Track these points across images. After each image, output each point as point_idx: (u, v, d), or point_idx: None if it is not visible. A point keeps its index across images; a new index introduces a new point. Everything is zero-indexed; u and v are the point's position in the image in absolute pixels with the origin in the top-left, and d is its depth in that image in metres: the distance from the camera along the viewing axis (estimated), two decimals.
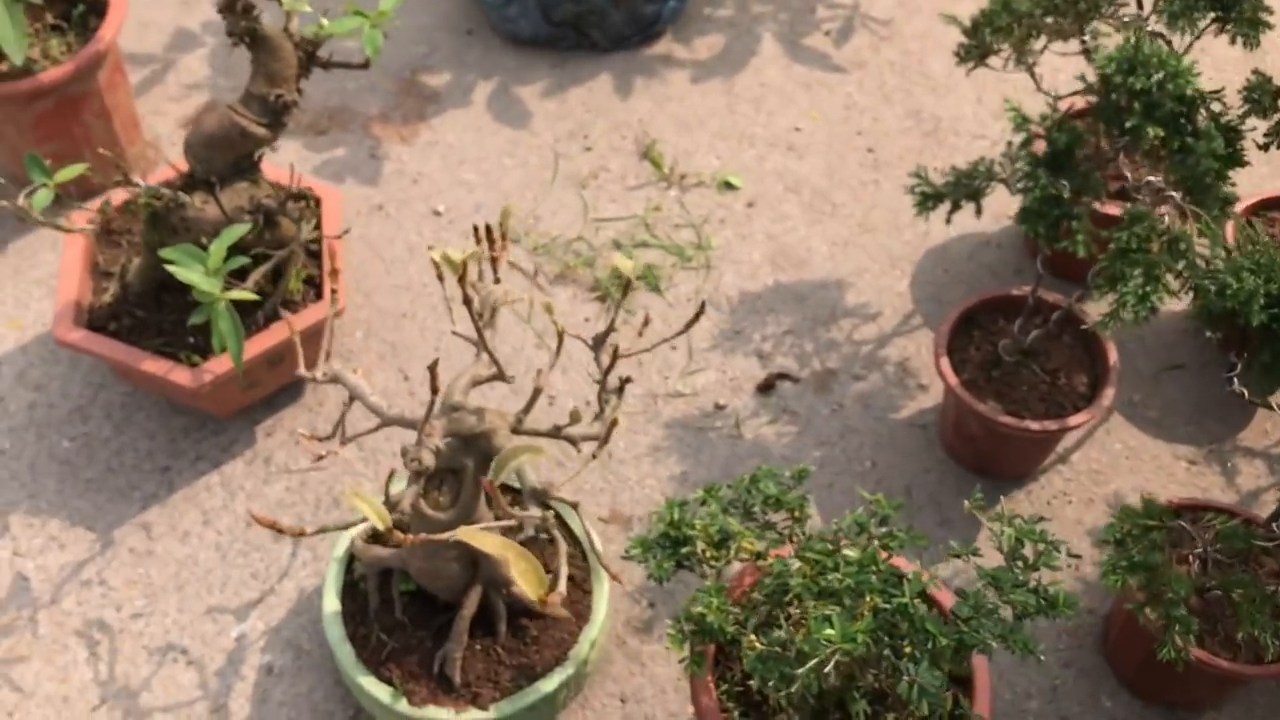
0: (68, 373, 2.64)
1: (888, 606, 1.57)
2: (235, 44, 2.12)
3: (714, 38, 3.31)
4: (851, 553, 1.65)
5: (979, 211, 2.33)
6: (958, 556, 1.69)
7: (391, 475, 1.82)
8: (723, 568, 1.83)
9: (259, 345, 2.35)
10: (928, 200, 2.26)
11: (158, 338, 2.40)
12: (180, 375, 2.30)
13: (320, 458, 1.87)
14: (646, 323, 2.71)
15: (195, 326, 2.38)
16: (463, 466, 1.92)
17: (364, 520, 2.22)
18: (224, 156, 2.19)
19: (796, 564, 1.73)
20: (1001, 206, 2.95)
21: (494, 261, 1.88)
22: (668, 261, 2.84)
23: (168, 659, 2.28)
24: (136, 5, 3.34)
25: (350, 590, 2.18)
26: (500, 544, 1.51)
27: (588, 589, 2.18)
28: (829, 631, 1.55)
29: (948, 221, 2.38)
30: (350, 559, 2.19)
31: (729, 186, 2.98)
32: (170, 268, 1.97)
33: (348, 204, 2.92)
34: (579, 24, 3.19)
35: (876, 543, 1.69)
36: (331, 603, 2.14)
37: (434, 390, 1.72)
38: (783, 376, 2.66)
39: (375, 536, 2.20)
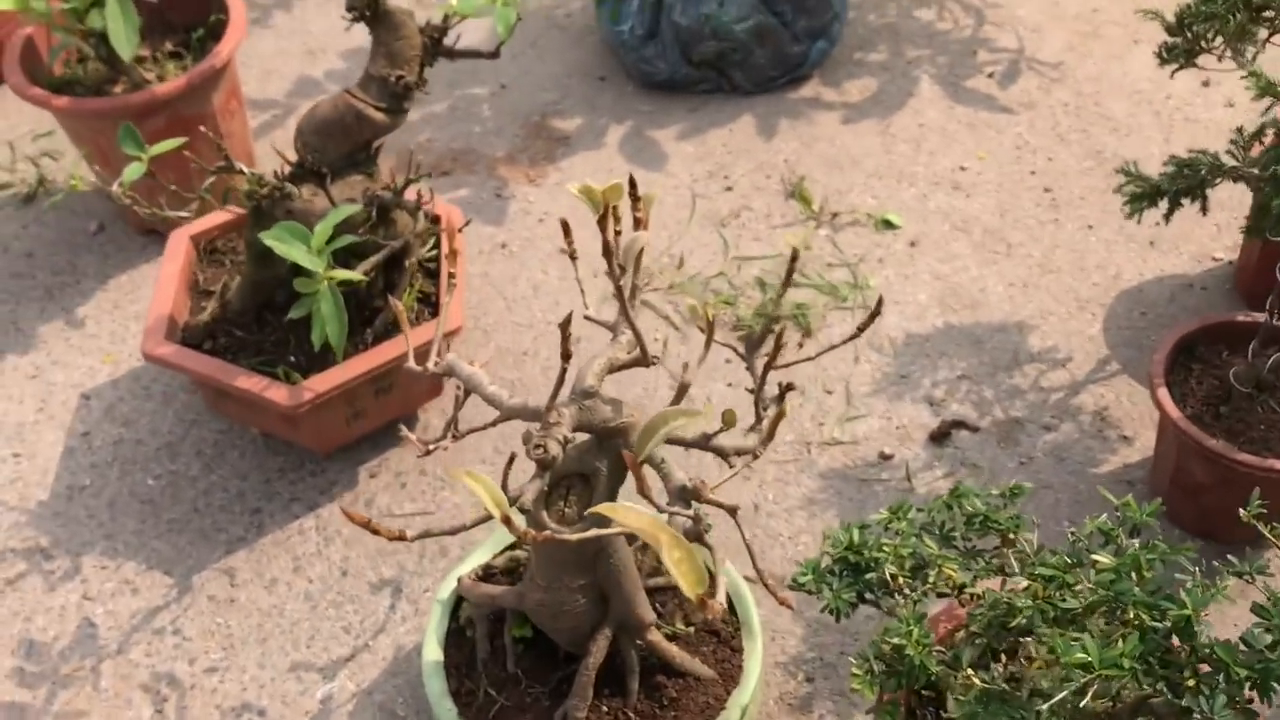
0: (159, 409, 2.41)
1: (1159, 625, 1.18)
2: (354, 20, 1.91)
3: (865, 81, 3.06)
4: (1104, 558, 1.27)
5: (1205, 209, 1.97)
6: (1240, 576, 1.29)
7: (511, 461, 1.50)
8: (919, 599, 1.46)
9: (366, 364, 2.08)
10: (1141, 199, 1.92)
11: (256, 356, 2.15)
12: (277, 393, 2.04)
13: (428, 452, 1.57)
14: (808, 334, 2.40)
15: (298, 344, 2.14)
16: (594, 470, 1.59)
17: (473, 557, 1.90)
18: (338, 145, 1.97)
19: (1023, 584, 1.35)
20: (1201, 246, 2.58)
21: (637, 221, 1.58)
22: (820, 301, 2.53)
23: None
24: (263, 55, 3.23)
25: (455, 638, 1.84)
26: (651, 522, 1.17)
27: (736, 646, 1.81)
28: (1081, 655, 1.17)
29: (1165, 220, 2.02)
30: (457, 602, 1.86)
31: (888, 225, 2.68)
32: (269, 242, 1.72)
33: (471, 243, 2.69)
34: (719, 64, 2.97)
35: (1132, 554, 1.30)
36: (433, 651, 1.80)
37: (565, 355, 1.41)
38: (960, 425, 2.29)
39: (486, 575, 1.87)
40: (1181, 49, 2.13)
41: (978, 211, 2.70)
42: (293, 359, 2.14)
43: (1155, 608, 1.18)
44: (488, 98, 3.08)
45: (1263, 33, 2.06)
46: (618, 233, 1.44)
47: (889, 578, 1.46)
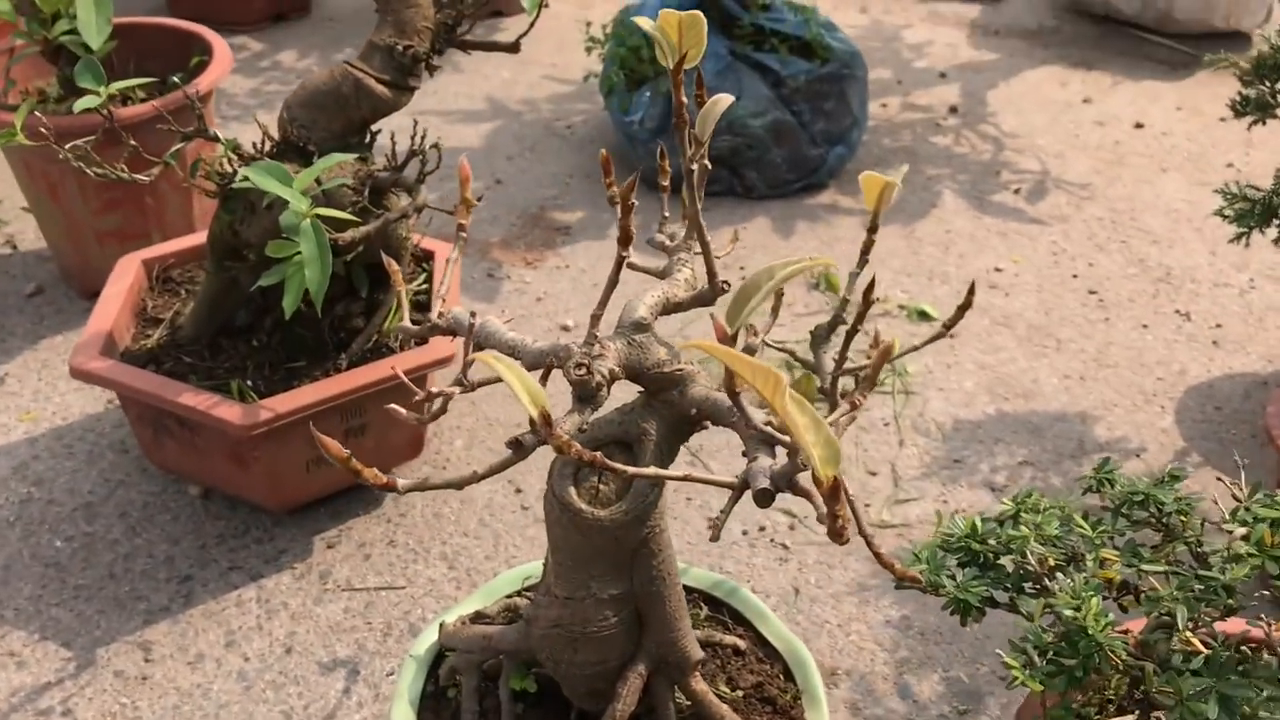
0: (81, 468, 2.02)
1: None
2: None
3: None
4: None
5: None
6: None
7: (547, 374, 1.14)
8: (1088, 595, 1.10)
9: (337, 386, 1.74)
10: (1249, 216, 1.68)
11: (207, 380, 1.80)
12: (228, 411, 1.68)
13: (427, 412, 1.21)
14: (877, 341, 2.09)
15: (257, 369, 1.80)
16: (639, 435, 1.23)
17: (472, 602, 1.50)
18: (330, 120, 1.70)
19: (1239, 533, 1.01)
20: (1269, 347, 2.34)
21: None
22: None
23: None
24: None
25: (432, 703, 1.42)
26: (761, 370, 0.81)
27: (796, 716, 1.40)
28: None
29: (1276, 241, 1.78)
30: (436, 661, 1.45)
31: (923, 316, 2.42)
32: (250, 177, 1.42)
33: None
34: (733, 161, 2.78)
35: None
36: (403, 715, 1.38)
37: (625, 236, 1.09)
38: None
39: (477, 617, 1.47)
40: (1256, 102, 1.96)
41: (1019, 309, 2.46)
42: (250, 383, 1.79)
43: None
44: (481, 190, 2.86)
45: None
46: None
47: (1036, 564, 1.10)
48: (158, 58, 2.45)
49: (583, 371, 1.11)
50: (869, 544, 1.05)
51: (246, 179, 1.50)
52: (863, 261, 1.24)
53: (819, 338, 1.43)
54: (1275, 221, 1.68)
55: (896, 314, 2.44)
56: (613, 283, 1.14)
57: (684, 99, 1.14)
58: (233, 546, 1.89)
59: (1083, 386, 2.24)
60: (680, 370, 1.20)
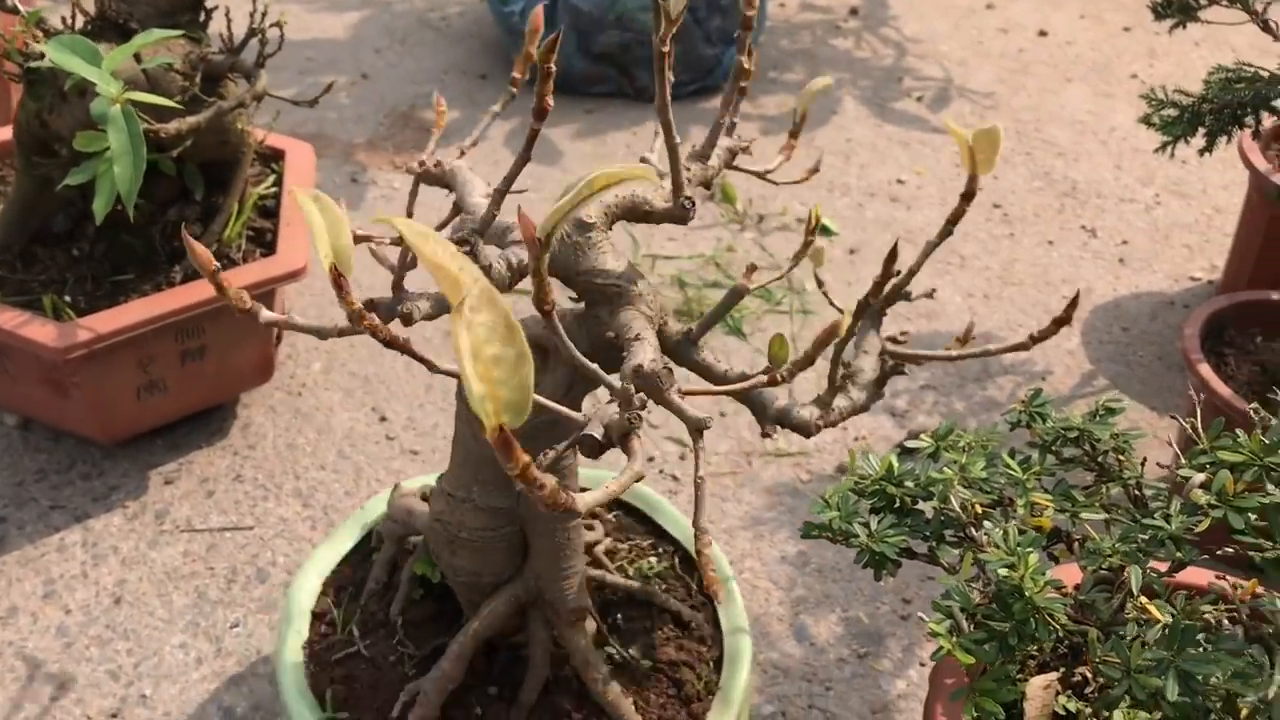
0: None
1: None
2: None
3: (782, 97, 2.71)
4: None
5: (1257, 131, 1.62)
6: None
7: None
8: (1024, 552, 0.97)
9: (170, 302, 1.52)
10: (1177, 125, 1.55)
11: (19, 295, 1.57)
12: (40, 331, 1.46)
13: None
14: (741, 336, 1.97)
15: (78, 284, 1.57)
16: (557, 346, 1.07)
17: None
18: None
19: (1198, 480, 0.89)
20: (1175, 266, 2.26)
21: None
22: (751, 305, 2.09)
23: None
24: None
25: (360, 559, 1.33)
26: (447, 274, 0.62)
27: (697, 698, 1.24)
28: None
29: (1202, 153, 1.66)
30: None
31: (824, 231, 2.28)
32: (50, 54, 1.18)
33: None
34: (623, 60, 2.58)
35: None
36: (329, 553, 1.31)
37: (541, 108, 0.90)
38: None
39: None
40: (1178, 4, 1.83)
41: (922, 224, 2.33)
42: (68, 299, 1.56)
43: None
44: (347, 86, 2.61)
45: None
46: None
47: (960, 510, 0.97)
48: None
49: (466, 249, 0.94)
50: (699, 539, 0.91)
51: (50, 59, 1.27)
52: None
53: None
54: (1202, 130, 1.56)
55: (795, 228, 2.29)
56: (523, 159, 0.97)
57: None
58: (55, 484, 1.67)
59: (987, 306, 2.13)
60: (616, 286, 1.02)
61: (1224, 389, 1.54)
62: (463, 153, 1.12)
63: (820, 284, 1.15)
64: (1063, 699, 1.09)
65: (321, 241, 0.68)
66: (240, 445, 1.75)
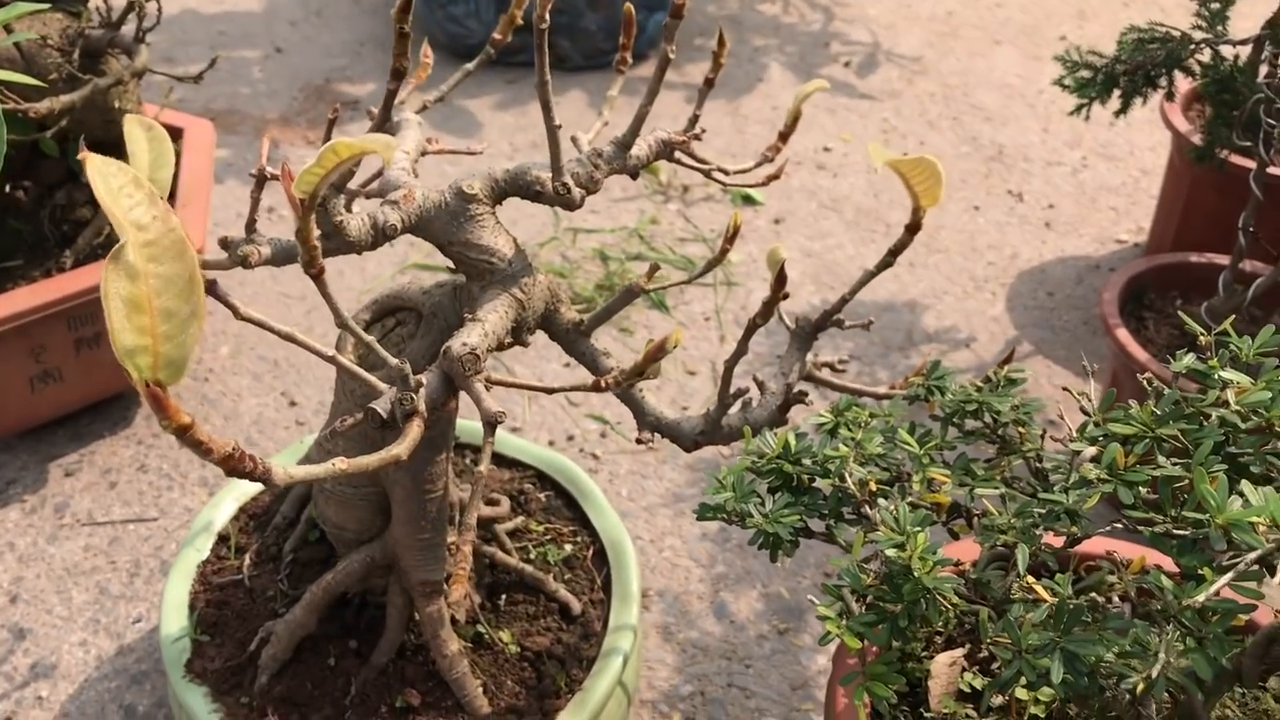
0: None
1: None
2: None
3: (707, 65, 2.67)
4: (1237, 376, 0.80)
5: (1171, 93, 1.60)
6: None
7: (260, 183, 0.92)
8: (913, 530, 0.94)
9: (58, 289, 1.46)
10: (1090, 86, 1.53)
11: None
12: None
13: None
14: (663, 309, 1.94)
15: None
16: (432, 313, 1.06)
17: None
18: None
19: (1088, 453, 0.86)
20: (1101, 229, 2.25)
21: None
22: (674, 276, 2.05)
23: None
24: None
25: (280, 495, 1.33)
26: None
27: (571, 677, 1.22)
28: (1248, 512, 0.68)
29: (1117, 114, 1.64)
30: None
31: (748, 201, 2.25)
32: None
33: (228, 205, 2.10)
34: None
35: None
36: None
37: (398, 69, 0.87)
38: None
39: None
40: None
41: (848, 191, 2.30)
42: None
43: None
44: (259, 60, 2.54)
45: None
46: None
47: (855, 487, 0.94)
48: None
49: (336, 212, 0.90)
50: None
51: None
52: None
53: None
54: (1117, 92, 1.54)
55: (720, 198, 2.25)
56: (382, 118, 0.94)
57: None
58: None
59: (912, 273, 2.11)
60: (488, 263, 0.98)
61: (1141, 353, 1.53)
62: (425, 106, 1.09)
63: (781, 306, 1.09)
64: (968, 676, 1.08)
65: (140, 170, 0.65)
66: (145, 434, 1.70)
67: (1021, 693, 1.02)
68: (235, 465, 0.65)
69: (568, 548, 1.34)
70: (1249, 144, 1.54)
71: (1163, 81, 1.53)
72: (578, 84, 2.55)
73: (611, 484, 1.69)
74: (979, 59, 2.78)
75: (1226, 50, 1.56)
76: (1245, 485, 0.70)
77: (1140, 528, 0.78)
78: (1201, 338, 0.90)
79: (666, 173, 2.30)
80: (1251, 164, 1.56)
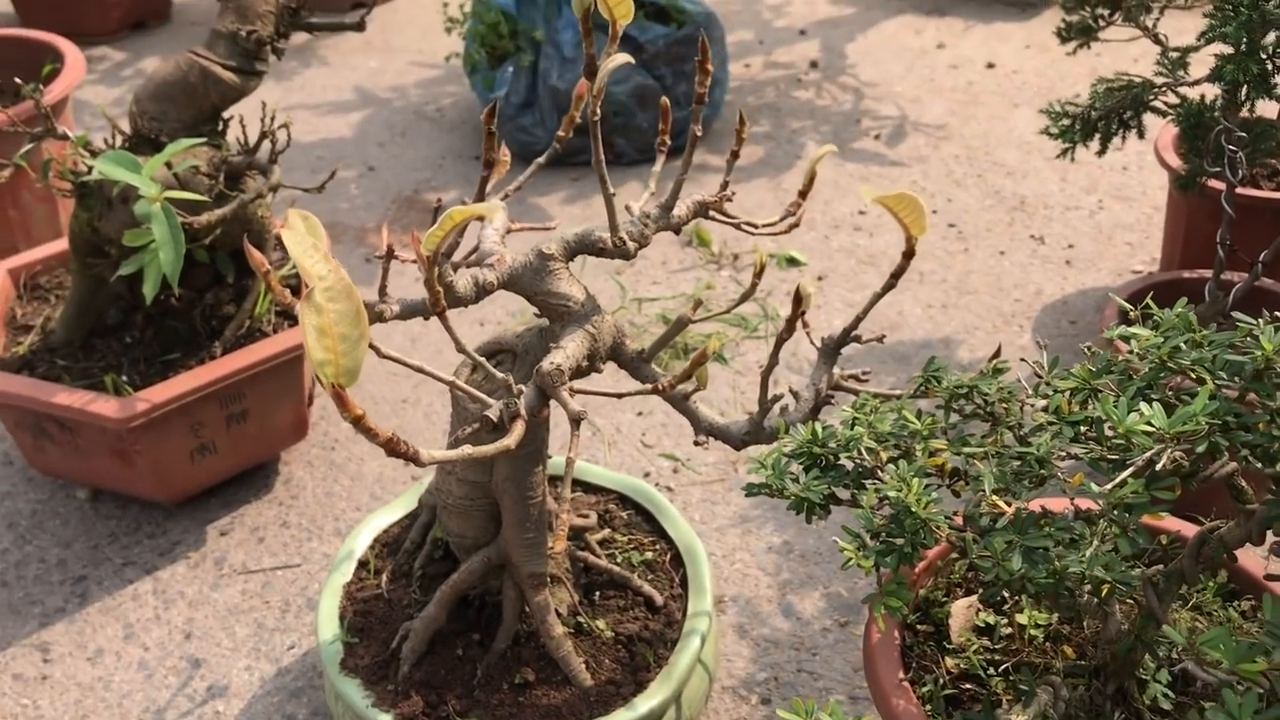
0: None
1: (1231, 381, 0.94)
2: None
3: (751, 148, 2.96)
4: (1141, 331, 1.03)
5: (1141, 132, 1.84)
6: None
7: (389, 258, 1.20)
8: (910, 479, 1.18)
9: (212, 373, 1.76)
10: (1071, 132, 1.78)
11: (83, 380, 1.81)
12: (105, 406, 1.70)
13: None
14: (722, 361, 2.18)
15: (132, 365, 1.82)
16: (524, 351, 1.34)
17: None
18: (180, 110, 1.71)
19: (1040, 405, 1.10)
20: (1118, 262, 2.47)
21: None
22: (730, 333, 2.31)
23: None
24: None
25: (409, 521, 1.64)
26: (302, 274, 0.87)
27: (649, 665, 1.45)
28: (1145, 424, 0.91)
29: (1100, 153, 1.88)
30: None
31: (792, 263, 2.51)
32: (99, 168, 1.44)
33: None
34: (600, 129, 2.83)
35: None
36: (387, 514, 1.64)
37: (487, 160, 1.14)
38: None
39: None
40: (1077, 27, 2.06)
41: (883, 248, 2.55)
42: (125, 379, 1.80)
43: (1223, 365, 0.94)
44: (355, 179, 2.88)
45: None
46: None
47: (865, 454, 1.18)
48: (9, 68, 2.43)
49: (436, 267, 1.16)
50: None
51: (98, 172, 1.52)
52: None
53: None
54: (1097, 135, 1.78)
55: (767, 261, 2.51)
56: (479, 196, 1.22)
57: (593, 49, 1.21)
58: (125, 544, 1.90)
59: (945, 314, 2.34)
60: (565, 305, 1.26)
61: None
62: (506, 195, 1.36)
63: (806, 326, 1.34)
64: (983, 614, 1.30)
65: (297, 253, 0.91)
66: (284, 496, 1.98)
67: (1022, 618, 1.24)
68: (394, 447, 0.92)
69: (649, 554, 1.58)
70: (1218, 169, 1.76)
71: (1134, 122, 1.77)
72: (634, 175, 2.84)
73: (686, 511, 1.93)
74: (999, 121, 3.03)
75: (1194, 89, 1.80)
76: (1142, 405, 0.93)
77: (1081, 456, 1.00)
78: (1131, 313, 1.13)
79: (718, 243, 2.57)
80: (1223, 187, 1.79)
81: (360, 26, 1.84)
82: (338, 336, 0.85)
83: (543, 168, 1.37)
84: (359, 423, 0.89)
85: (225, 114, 1.78)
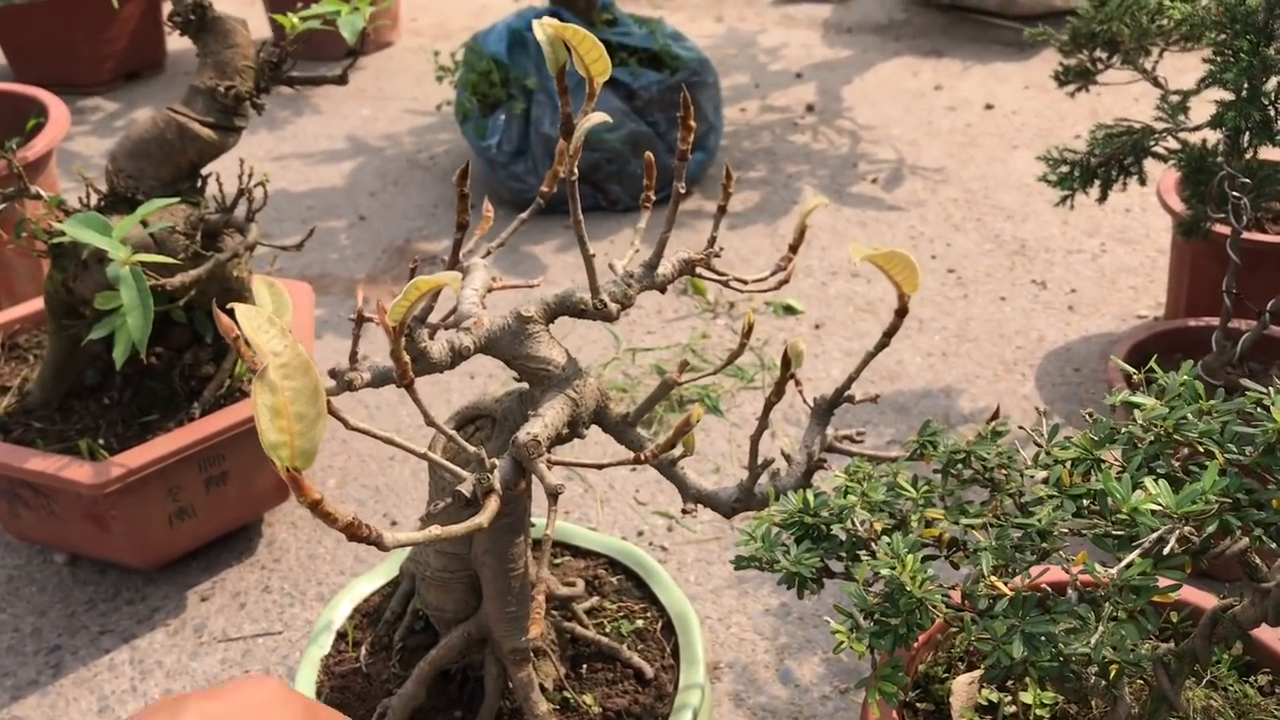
0: None
1: (1240, 455, 0.88)
2: (179, 29, 1.67)
3: (747, 194, 2.92)
4: (1145, 400, 0.98)
5: (1142, 179, 1.80)
6: None
7: (360, 322, 1.15)
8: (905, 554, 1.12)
9: (190, 435, 1.71)
10: (1069, 180, 1.73)
11: (59, 443, 1.76)
12: (78, 471, 1.65)
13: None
14: (718, 413, 2.12)
15: (109, 428, 1.77)
16: (503, 417, 1.28)
17: None
18: (157, 168, 1.68)
19: (1040, 477, 1.04)
20: (1122, 307, 2.42)
21: None
22: (726, 384, 2.26)
23: None
24: None
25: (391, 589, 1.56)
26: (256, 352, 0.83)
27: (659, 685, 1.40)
28: (1151, 502, 0.86)
29: (1100, 200, 1.83)
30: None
31: (789, 310, 2.46)
32: (67, 230, 1.39)
33: (327, 358, 2.37)
34: (594, 176, 2.80)
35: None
36: (367, 583, 1.55)
37: (461, 223, 1.11)
38: None
39: None
40: (1075, 70, 2.02)
41: (881, 294, 2.51)
42: (102, 442, 1.75)
43: (1232, 437, 0.88)
44: (345, 229, 2.84)
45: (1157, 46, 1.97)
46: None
47: (858, 526, 1.12)
48: None
49: (406, 334, 1.12)
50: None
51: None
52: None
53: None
54: (1097, 181, 1.74)
55: (763, 310, 2.47)
56: (452, 262, 1.18)
57: (569, 108, 1.17)
58: (103, 611, 1.85)
59: (945, 362, 2.29)
60: (545, 369, 1.21)
61: None
62: (489, 252, 1.31)
63: (798, 384, 1.28)
64: (985, 692, 1.24)
65: (249, 329, 0.86)
66: (267, 560, 1.93)
67: (1027, 697, 1.18)
68: (354, 531, 0.87)
69: (639, 622, 1.52)
70: (1222, 215, 1.72)
71: (1134, 168, 1.72)
72: (629, 222, 2.81)
73: (680, 571, 1.87)
74: (998, 164, 2.99)
75: (1195, 135, 1.75)
76: (1147, 480, 0.87)
77: (1085, 532, 0.95)
78: (1134, 376, 1.08)
79: (713, 291, 2.52)
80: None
81: (343, 80, 1.80)
82: (293, 416, 0.80)
83: (536, 216, 1.32)
84: (316, 508, 0.84)
85: (204, 170, 1.74)
